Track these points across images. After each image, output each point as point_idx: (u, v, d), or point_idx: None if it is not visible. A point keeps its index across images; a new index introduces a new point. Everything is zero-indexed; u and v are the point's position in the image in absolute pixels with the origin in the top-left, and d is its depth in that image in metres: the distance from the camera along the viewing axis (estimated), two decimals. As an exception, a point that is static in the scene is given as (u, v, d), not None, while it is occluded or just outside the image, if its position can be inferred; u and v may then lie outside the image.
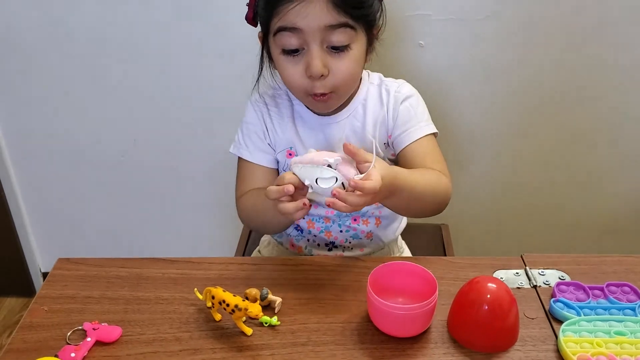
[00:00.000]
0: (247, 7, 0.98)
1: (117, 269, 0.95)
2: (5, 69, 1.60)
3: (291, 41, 0.92)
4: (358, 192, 0.80)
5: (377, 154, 0.86)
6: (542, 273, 0.92)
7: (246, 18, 0.99)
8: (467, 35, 1.48)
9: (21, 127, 1.71)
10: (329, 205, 0.80)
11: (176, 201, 1.79)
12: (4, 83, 1.63)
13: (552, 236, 1.77)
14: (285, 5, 0.89)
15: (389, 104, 1.06)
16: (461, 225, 1.68)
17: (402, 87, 1.08)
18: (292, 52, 0.94)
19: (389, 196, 0.89)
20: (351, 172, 0.83)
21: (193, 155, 1.69)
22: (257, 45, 1.02)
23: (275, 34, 0.93)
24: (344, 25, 0.91)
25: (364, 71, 1.08)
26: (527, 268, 0.93)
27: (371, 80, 1.09)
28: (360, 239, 1.12)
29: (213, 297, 0.81)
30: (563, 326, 0.80)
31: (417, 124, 1.05)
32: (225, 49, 1.51)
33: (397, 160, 1.06)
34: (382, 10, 1.00)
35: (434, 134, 1.07)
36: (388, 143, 1.07)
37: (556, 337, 0.80)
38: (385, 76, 1.11)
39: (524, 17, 1.45)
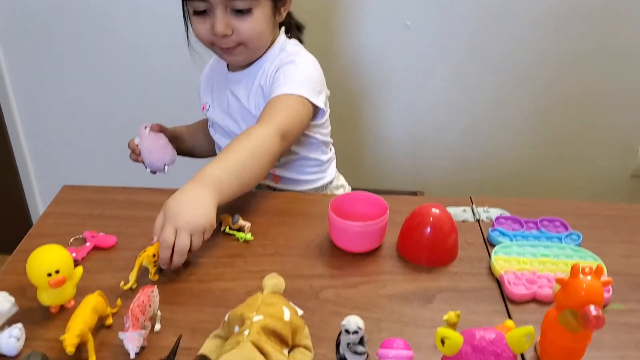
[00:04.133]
0: None
1: (115, 194, 1.09)
2: (20, 35, 1.74)
3: (199, 5, 1.07)
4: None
5: None
6: (486, 211, 1.05)
7: None
8: (451, 15, 1.61)
9: (33, 96, 1.85)
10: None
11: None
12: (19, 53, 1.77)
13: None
14: None
15: (272, 66, 1.14)
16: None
17: (293, 53, 1.16)
18: (201, 13, 1.09)
19: (219, 197, 0.91)
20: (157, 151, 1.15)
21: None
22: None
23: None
24: None
25: (286, 39, 1.19)
26: (474, 206, 1.06)
27: (281, 47, 1.18)
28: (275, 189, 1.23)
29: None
30: (496, 248, 0.93)
31: (283, 84, 1.09)
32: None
33: None
34: None
35: (298, 96, 1.09)
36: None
37: (490, 258, 0.93)
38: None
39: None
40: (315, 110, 1.14)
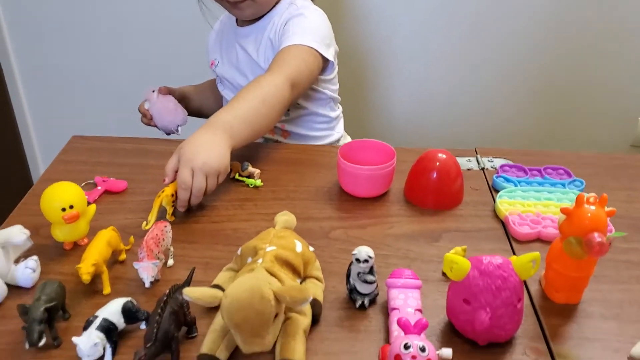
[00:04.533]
0: None
1: (123, 144, 1.10)
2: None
3: None
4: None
5: None
6: (490, 160, 1.06)
7: None
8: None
9: (34, 55, 1.86)
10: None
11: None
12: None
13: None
14: None
15: (281, 19, 1.15)
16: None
17: (303, 6, 1.16)
18: None
19: (232, 142, 0.93)
20: (168, 113, 1.17)
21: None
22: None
23: None
24: None
25: None
26: (479, 156, 1.07)
27: (290, 1, 1.18)
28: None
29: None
30: (500, 192, 0.95)
31: (292, 35, 1.10)
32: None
33: None
34: None
35: (308, 47, 1.10)
36: None
37: (495, 202, 0.94)
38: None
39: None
40: (325, 64, 1.15)
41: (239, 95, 1.00)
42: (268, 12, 1.17)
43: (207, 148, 0.89)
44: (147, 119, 1.21)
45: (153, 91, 1.18)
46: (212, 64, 1.27)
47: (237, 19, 1.23)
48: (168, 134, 1.21)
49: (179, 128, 1.20)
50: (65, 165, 1.03)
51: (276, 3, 1.17)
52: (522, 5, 1.69)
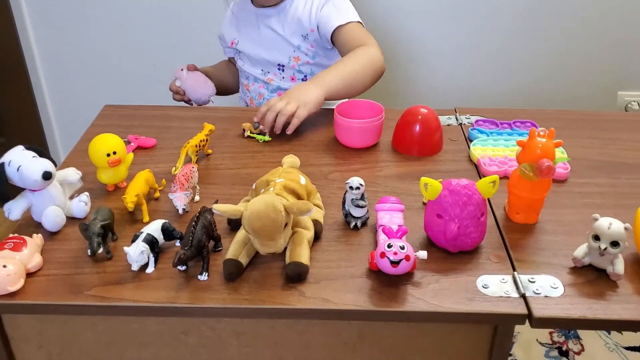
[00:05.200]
0: None
1: (150, 110, 1.27)
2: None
3: None
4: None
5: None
6: (468, 117, 1.22)
7: None
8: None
9: (55, 46, 2.02)
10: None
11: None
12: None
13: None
14: None
15: (314, 2, 1.35)
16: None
17: None
18: None
19: (323, 87, 1.18)
20: (200, 86, 1.35)
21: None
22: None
23: None
24: None
25: None
26: (457, 114, 1.23)
27: None
28: None
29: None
30: (474, 141, 1.11)
31: (338, 14, 1.32)
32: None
33: (334, 44, 1.35)
34: None
35: (359, 22, 1.34)
36: (307, 35, 1.36)
37: (469, 149, 1.10)
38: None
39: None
40: None
41: (344, 58, 1.26)
42: None
43: (307, 91, 1.16)
44: (181, 95, 1.38)
45: (182, 69, 1.35)
46: (232, 44, 1.44)
47: (252, 1, 1.40)
48: (200, 105, 1.37)
49: (211, 98, 1.36)
50: (101, 128, 1.18)
51: None
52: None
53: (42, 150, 0.88)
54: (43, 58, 2.06)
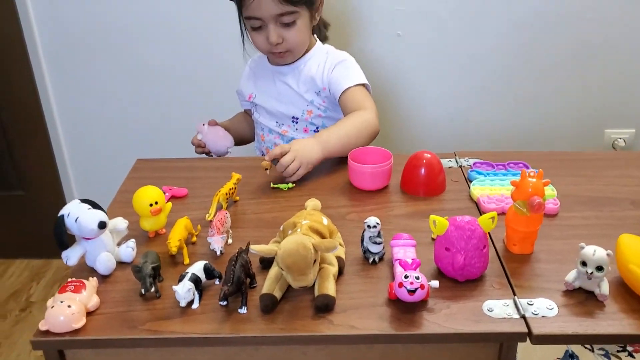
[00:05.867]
0: None
1: (177, 163, 1.40)
2: (64, 58, 2.07)
3: (255, 23, 1.43)
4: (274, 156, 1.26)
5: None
6: (466, 160, 1.36)
7: None
8: (434, 24, 1.95)
9: (73, 105, 2.16)
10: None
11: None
12: (61, 69, 2.10)
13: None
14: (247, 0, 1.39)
15: (326, 64, 1.51)
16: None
17: (340, 54, 1.54)
18: (257, 29, 1.44)
19: (323, 149, 1.31)
20: (220, 140, 1.50)
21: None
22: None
23: (245, 18, 1.44)
24: (288, 12, 1.40)
25: (324, 44, 1.57)
26: (457, 157, 1.37)
27: (324, 49, 1.56)
28: None
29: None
30: (473, 182, 1.24)
31: (346, 77, 1.47)
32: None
33: (340, 105, 1.50)
34: None
35: (364, 85, 1.48)
36: (320, 92, 1.51)
37: (469, 189, 1.23)
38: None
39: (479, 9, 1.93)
40: None
41: (343, 121, 1.40)
42: (302, 57, 1.52)
43: (309, 149, 1.29)
44: (202, 148, 1.53)
45: (204, 125, 1.50)
46: (249, 97, 1.60)
47: (268, 60, 1.56)
48: (219, 156, 1.51)
49: (229, 150, 1.51)
50: (136, 181, 1.31)
51: (306, 51, 1.52)
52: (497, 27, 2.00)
53: (95, 202, 1.00)
54: (61, 111, 2.19)
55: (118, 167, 2.18)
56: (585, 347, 2.04)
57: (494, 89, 2.08)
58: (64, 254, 1.00)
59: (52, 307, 0.88)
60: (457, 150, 1.40)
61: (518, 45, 2.00)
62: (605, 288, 0.90)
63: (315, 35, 1.57)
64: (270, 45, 1.44)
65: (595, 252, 0.88)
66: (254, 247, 0.91)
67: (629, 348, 2.03)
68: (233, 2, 1.45)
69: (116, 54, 2.06)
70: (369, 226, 1.00)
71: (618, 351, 1.98)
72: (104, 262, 1.00)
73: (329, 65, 1.50)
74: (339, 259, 0.99)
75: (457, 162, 1.36)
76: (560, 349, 1.96)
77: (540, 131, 2.14)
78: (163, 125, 2.16)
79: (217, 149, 1.51)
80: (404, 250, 1.00)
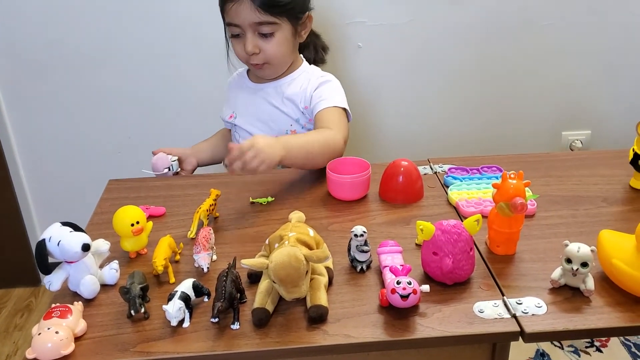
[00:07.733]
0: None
1: (153, 182, 1.38)
2: (20, 81, 2.02)
3: (235, 30, 1.43)
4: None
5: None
6: (440, 166, 1.38)
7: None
8: (395, 36, 1.98)
9: (30, 129, 2.10)
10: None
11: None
12: (17, 92, 2.04)
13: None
14: (228, 5, 1.40)
15: (309, 84, 1.51)
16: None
17: (327, 75, 1.54)
18: (237, 36, 1.44)
19: (285, 154, 1.22)
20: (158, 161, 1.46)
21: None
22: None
23: (226, 24, 1.45)
24: (267, 22, 1.40)
25: (312, 66, 1.57)
26: (431, 164, 1.39)
27: (310, 70, 1.56)
28: None
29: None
30: (450, 187, 1.26)
31: (327, 98, 1.47)
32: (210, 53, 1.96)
33: (314, 121, 1.49)
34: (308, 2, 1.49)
35: (343, 109, 1.47)
36: (303, 111, 1.51)
37: (447, 194, 1.25)
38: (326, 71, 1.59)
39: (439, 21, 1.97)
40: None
41: (308, 133, 1.40)
42: (285, 75, 1.52)
43: (272, 149, 1.19)
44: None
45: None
46: (230, 117, 1.59)
47: (249, 78, 1.56)
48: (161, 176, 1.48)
49: (165, 170, 1.47)
50: (111, 201, 1.28)
51: (295, 69, 1.53)
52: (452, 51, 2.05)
53: (76, 225, 0.98)
54: (17, 134, 2.13)
55: (77, 190, 2.18)
56: (555, 345, 2.10)
57: (453, 97, 2.13)
58: (47, 279, 0.97)
59: (39, 334, 0.85)
60: (430, 157, 1.43)
61: (474, 52, 2.06)
62: (590, 283, 0.92)
63: (302, 56, 1.57)
64: (247, 55, 1.43)
65: (579, 249, 0.91)
66: (245, 262, 0.90)
67: (597, 343, 2.10)
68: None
69: (73, 76, 2.02)
70: (355, 235, 1.01)
71: (586, 347, 2.04)
72: (89, 285, 0.97)
73: (314, 84, 1.50)
74: (327, 269, 0.99)
75: (431, 168, 1.38)
76: (531, 348, 2.01)
77: (502, 136, 2.20)
78: (125, 148, 2.12)
79: (157, 170, 1.48)
80: (391, 257, 1.01)
